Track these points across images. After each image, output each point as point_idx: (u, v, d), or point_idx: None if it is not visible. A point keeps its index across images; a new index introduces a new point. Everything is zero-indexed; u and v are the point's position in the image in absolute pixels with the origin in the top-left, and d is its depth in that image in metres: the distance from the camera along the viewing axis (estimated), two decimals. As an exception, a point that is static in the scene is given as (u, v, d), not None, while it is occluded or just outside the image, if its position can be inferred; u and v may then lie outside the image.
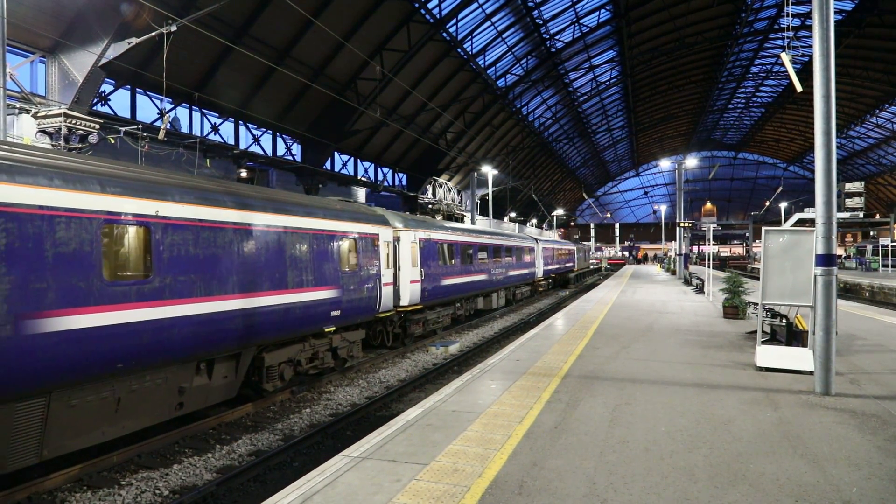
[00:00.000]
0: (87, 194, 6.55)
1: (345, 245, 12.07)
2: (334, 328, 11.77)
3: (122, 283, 6.99)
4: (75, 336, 6.33)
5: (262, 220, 9.45)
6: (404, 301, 15.27)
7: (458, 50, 32.15)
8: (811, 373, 8.39)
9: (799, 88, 15.72)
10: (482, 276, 22.44)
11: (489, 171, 37.25)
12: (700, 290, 25.76)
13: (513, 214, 64.14)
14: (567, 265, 44.47)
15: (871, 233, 66.62)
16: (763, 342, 9.82)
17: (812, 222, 8.93)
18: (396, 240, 15.14)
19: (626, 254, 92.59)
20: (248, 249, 9.08)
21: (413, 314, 16.44)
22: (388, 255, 14.23)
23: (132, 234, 7.37)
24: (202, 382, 8.63)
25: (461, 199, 48.78)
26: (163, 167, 10.51)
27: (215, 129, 24.85)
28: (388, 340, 15.81)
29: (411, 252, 15.66)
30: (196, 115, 24.12)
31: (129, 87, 21.05)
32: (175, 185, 7.96)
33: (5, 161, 5.83)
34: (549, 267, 37.30)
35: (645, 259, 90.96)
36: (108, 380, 7.01)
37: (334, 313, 11.48)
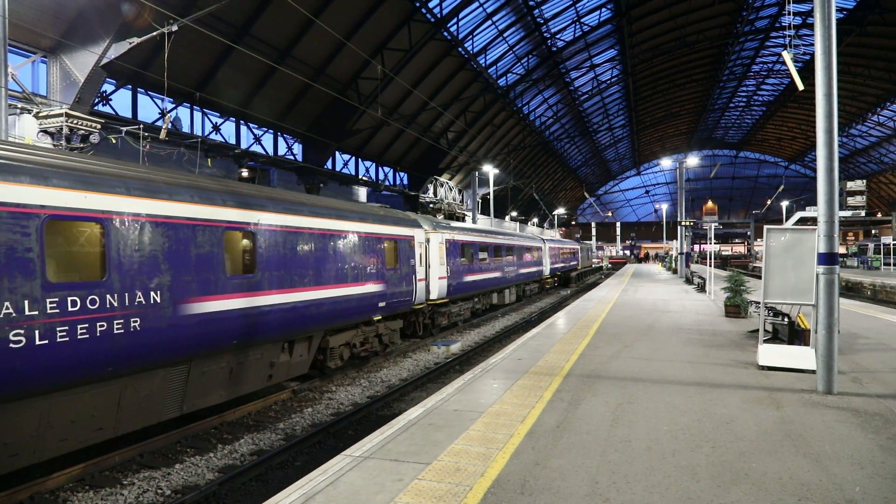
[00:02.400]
0: (215, 208, 8.37)
1: (389, 246, 13.95)
2: (380, 317, 13.74)
3: (237, 276, 8.82)
4: (208, 318, 8.08)
5: (330, 225, 11.28)
6: (433, 295, 16.87)
7: (459, 49, 32.11)
8: (813, 371, 8.38)
9: (800, 87, 15.69)
10: (497, 274, 24.15)
11: (490, 170, 37.24)
12: (701, 288, 25.74)
13: (514, 213, 64.09)
14: (571, 263, 46.15)
15: (873, 231, 66.54)
16: (765, 341, 9.81)
17: (813, 221, 8.94)
18: (427, 241, 16.57)
19: (628, 253, 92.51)
20: (320, 249, 10.90)
21: (440, 307, 18.21)
22: (421, 254, 15.87)
23: (242, 238, 9.35)
24: (286, 359, 10.41)
25: (462, 199, 48.82)
26: (164, 167, 10.82)
27: (216, 128, 24.85)
28: (419, 330, 17.29)
29: (439, 252, 17.33)
30: (197, 115, 24.12)
31: (130, 86, 21.05)
32: (269, 198, 9.79)
33: (168, 184, 7.73)
34: (556, 265, 38.87)
35: (646, 258, 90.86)
36: (225, 353, 8.84)
37: (381, 304, 13.35)
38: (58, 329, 6.11)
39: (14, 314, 5.74)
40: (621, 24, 38.96)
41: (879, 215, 62.25)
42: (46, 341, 5.99)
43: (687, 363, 9.83)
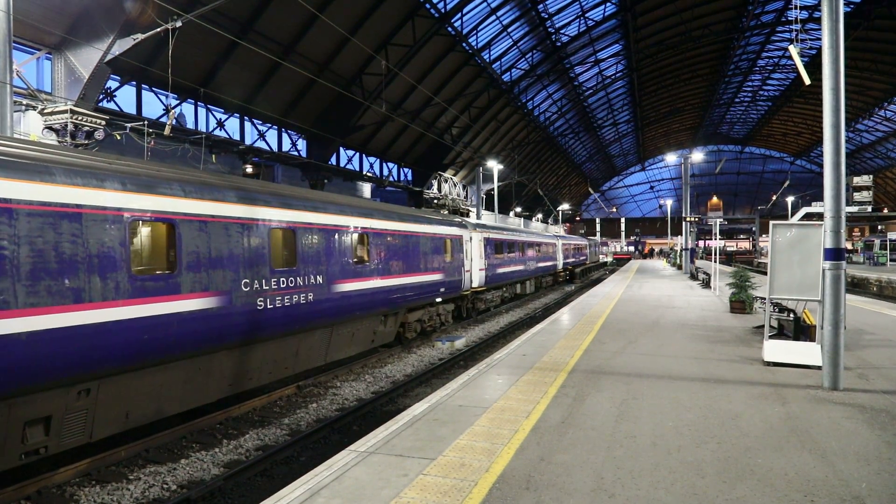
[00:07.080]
0: (348, 217, 11.69)
1: (446, 244, 17.15)
2: (440, 300, 16.95)
3: (358, 265, 11.94)
4: (344, 294, 11.31)
5: (412, 228, 14.70)
6: (475, 284, 20.19)
7: (464, 44, 31.99)
8: (819, 367, 8.35)
9: (807, 81, 15.55)
10: (522, 267, 27.86)
11: (495, 165, 37.14)
12: (706, 284, 25.67)
13: (518, 209, 63.96)
14: (581, 258, 49.66)
15: (879, 227, 66.14)
16: (770, 337, 9.78)
17: (819, 216, 8.88)
18: (470, 239, 19.56)
19: (633, 248, 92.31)
20: (406, 246, 14.21)
21: (479, 294, 21.62)
22: (467, 250, 18.98)
23: (361, 237, 12.33)
24: (382, 329, 13.71)
25: (466, 194, 48.76)
26: (168, 163, 10.95)
27: (221, 124, 24.85)
28: (464, 312, 20.37)
29: (479, 248, 20.69)
30: (201, 111, 24.11)
31: (134, 83, 21.05)
32: (374, 208, 13.29)
33: (321, 201, 11.01)
34: (568, 260, 42.43)
35: (651, 254, 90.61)
36: (350, 322, 11.97)
37: (441, 290, 16.63)
38: (276, 298, 9.29)
39: (259, 288, 8.92)
40: (626, 19, 38.73)
41: (886, 211, 61.84)
42: (272, 306, 9.18)
43: (692, 359, 9.81)
